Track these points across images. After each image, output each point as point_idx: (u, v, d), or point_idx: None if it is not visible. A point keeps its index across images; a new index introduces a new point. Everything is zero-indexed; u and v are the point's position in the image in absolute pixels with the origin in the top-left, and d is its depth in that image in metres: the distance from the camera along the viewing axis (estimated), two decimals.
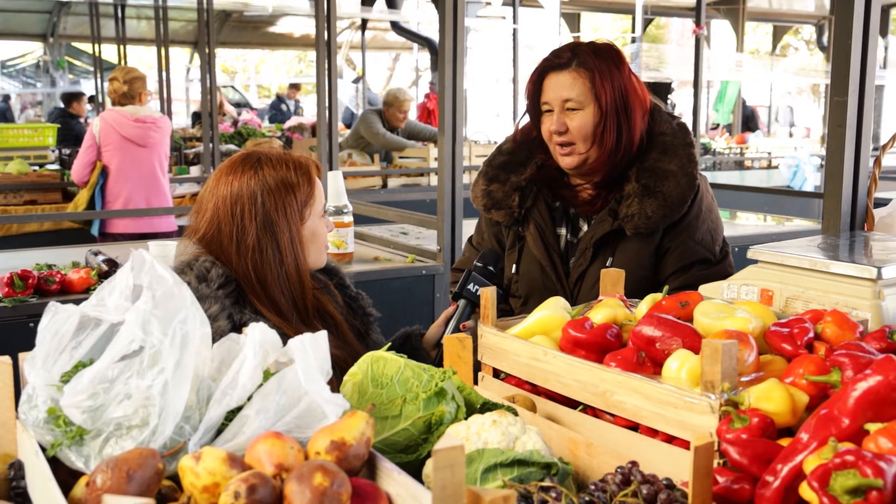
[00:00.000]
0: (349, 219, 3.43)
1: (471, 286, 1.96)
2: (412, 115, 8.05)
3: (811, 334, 1.31)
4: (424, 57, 12.84)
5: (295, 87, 14.92)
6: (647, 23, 12.14)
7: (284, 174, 1.82)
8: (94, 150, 4.80)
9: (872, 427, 1.00)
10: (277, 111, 13.23)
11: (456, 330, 1.94)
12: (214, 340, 1.15)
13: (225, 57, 20.28)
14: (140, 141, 4.81)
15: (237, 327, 1.71)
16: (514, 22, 9.75)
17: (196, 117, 11.20)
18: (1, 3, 12.39)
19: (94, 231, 4.90)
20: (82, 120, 9.79)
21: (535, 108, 2.07)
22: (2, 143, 7.12)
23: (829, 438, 0.99)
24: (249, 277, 1.80)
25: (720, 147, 9.64)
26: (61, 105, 10.26)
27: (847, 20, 2.06)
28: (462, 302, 1.97)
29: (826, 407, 1.04)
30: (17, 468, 1.10)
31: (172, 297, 1.09)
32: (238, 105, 14.33)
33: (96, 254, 3.20)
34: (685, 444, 1.19)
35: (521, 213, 2.12)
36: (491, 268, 2.00)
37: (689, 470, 1.01)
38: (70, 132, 8.79)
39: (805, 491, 0.96)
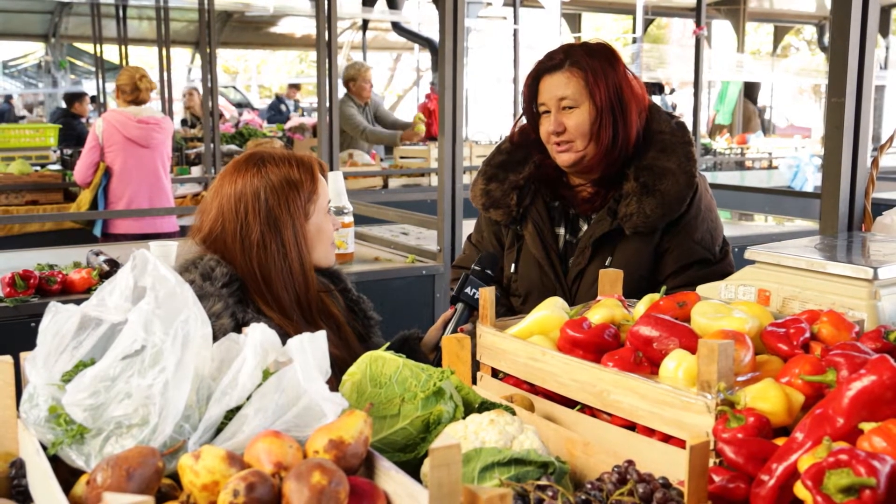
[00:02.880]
0: (349, 219, 3.44)
1: (468, 290, 1.96)
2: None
3: (807, 334, 1.32)
4: (425, 57, 12.85)
5: (294, 87, 14.93)
6: (647, 23, 12.14)
7: (287, 172, 1.84)
8: (98, 151, 4.81)
9: (867, 426, 1.00)
10: (277, 111, 13.24)
11: (454, 333, 1.94)
12: (217, 338, 1.15)
13: (226, 57, 20.28)
14: (143, 142, 4.82)
15: (240, 326, 1.73)
16: (515, 22, 9.75)
17: (184, 122, 11.13)
18: (2, 4, 12.40)
19: (97, 232, 4.91)
20: (84, 120, 9.80)
21: (532, 110, 2.08)
22: (3, 143, 7.13)
23: (823, 438, 1.00)
24: (254, 275, 1.82)
25: (721, 147, 9.64)
26: (63, 105, 10.27)
27: (844, 21, 2.06)
28: (460, 305, 1.97)
29: (821, 406, 1.05)
30: (19, 466, 1.11)
31: (174, 297, 1.10)
32: (239, 105, 14.34)
33: (97, 254, 3.21)
34: (682, 444, 1.19)
35: (520, 212, 2.12)
36: (489, 271, 2.00)
37: (685, 469, 1.02)
38: (72, 132, 8.80)
39: (799, 490, 0.97)
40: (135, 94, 4.84)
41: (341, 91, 6.84)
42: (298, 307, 1.85)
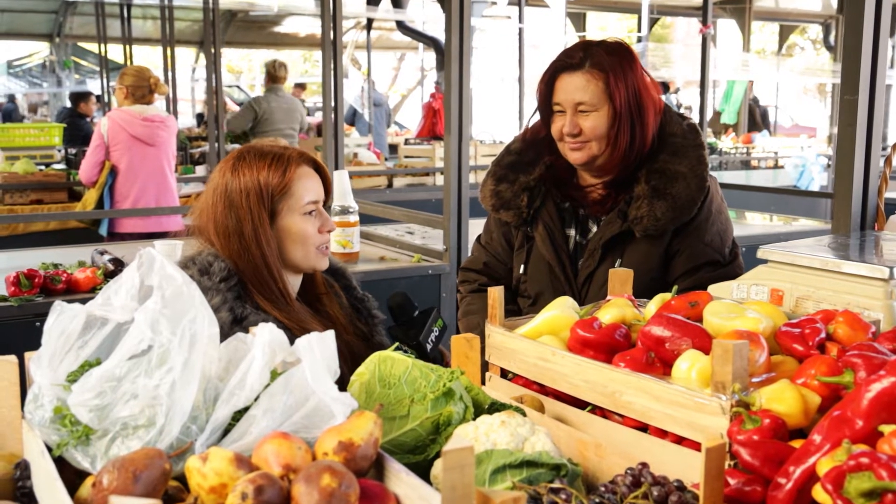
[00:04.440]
0: (355, 218, 3.42)
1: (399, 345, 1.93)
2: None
3: (823, 335, 1.30)
4: (430, 56, 12.83)
5: (300, 86, 14.92)
6: (652, 22, 12.13)
7: (257, 168, 1.83)
8: (103, 150, 4.79)
9: (887, 429, 0.98)
10: None
11: None
12: None
13: (230, 57, 20.29)
14: (148, 140, 4.80)
15: (238, 320, 1.73)
16: (520, 21, 9.75)
17: (200, 118, 11.23)
18: (7, 4, 12.42)
19: (103, 231, 4.90)
20: (89, 120, 9.80)
21: (546, 107, 2.05)
22: (8, 142, 7.13)
23: (842, 440, 0.98)
24: (234, 267, 1.82)
25: (726, 147, 9.62)
26: (69, 105, 10.28)
27: (857, 19, 2.04)
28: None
29: (839, 408, 1.03)
30: (23, 468, 1.09)
31: (181, 296, 1.08)
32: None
33: (102, 253, 3.20)
34: (695, 446, 1.17)
35: (530, 214, 2.10)
36: (402, 314, 1.94)
37: (701, 471, 1.00)
38: (79, 132, 8.80)
39: (818, 493, 0.95)
40: (147, 97, 4.81)
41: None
42: (275, 304, 1.83)
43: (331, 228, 1.91)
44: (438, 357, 1.95)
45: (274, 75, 7.02)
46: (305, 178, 1.86)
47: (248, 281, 1.82)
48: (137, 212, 4.82)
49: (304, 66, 21.22)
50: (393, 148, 9.27)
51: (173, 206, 5.03)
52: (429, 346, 1.88)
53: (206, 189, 1.90)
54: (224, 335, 1.15)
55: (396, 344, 1.43)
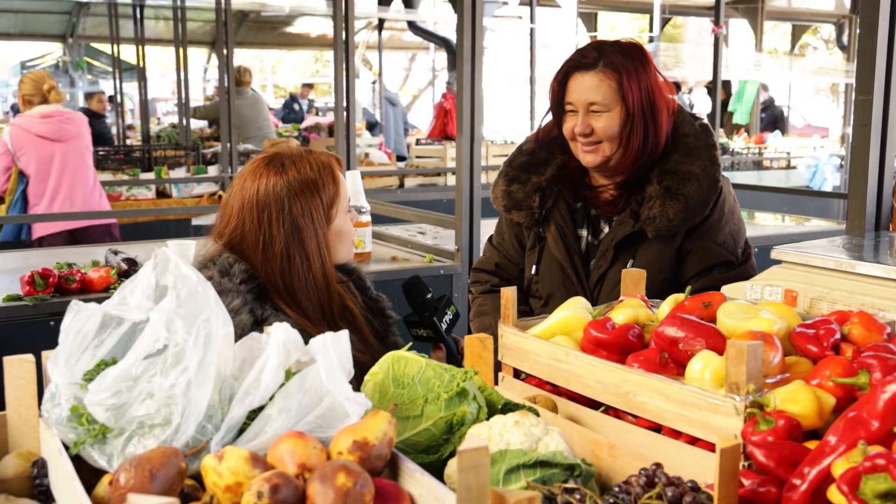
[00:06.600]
0: (367, 218, 3.43)
1: (413, 331, 2.01)
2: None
3: (837, 336, 1.29)
4: (441, 57, 12.83)
5: (308, 86, 14.96)
6: (664, 22, 12.09)
7: (309, 177, 1.80)
8: (9, 156, 4.64)
9: None
10: (290, 110, 13.25)
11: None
12: (236, 334, 1.14)
13: (242, 57, 20.35)
14: (52, 135, 4.64)
15: (259, 322, 1.72)
16: (531, 21, 9.74)
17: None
18: (21, 5, 12.48)
19: (24, 236, 4.78)
20: (103, 119, 9.85)
21: (559, 106, 2.05)
22: None
23: (857, 441, 0.97)
24: (276, 282, 1.79)
25: (738, 147, 9.58)
26: (84, 105, 10.33)
27: (872, 18, 2.03)
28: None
29: (855, 409, 1.03)
30: (41, 466, 1.10)
31: (196, 295, 1.09)
32: None
33: (116, 253, 3.22)
34: (709, 446, 1.17)
35: (542, 214, 2.10)
36: (417, 299, 2.00)
37: (715, 472, 1.00)
38: (94, 131, 8.82)
39: (833, 494, 0.95)
40: (42, 103, 4.72)
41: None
42: (321, 313, 1.84)
43: (356, 218, 1.94)
44: (452, 343, 1.98)
45: (239, 79, 8.02)
46: (342, 177, 1.88)
47: (271, 288, 1.79)
48: (60, 217, 4.68)
49: (315, 67, 21.27)
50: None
51: (95, 199, 4.88)
52: (443, 326, 1.93)
53: (242, 202, 1.80)
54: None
55: (410, 344, 1.43)
